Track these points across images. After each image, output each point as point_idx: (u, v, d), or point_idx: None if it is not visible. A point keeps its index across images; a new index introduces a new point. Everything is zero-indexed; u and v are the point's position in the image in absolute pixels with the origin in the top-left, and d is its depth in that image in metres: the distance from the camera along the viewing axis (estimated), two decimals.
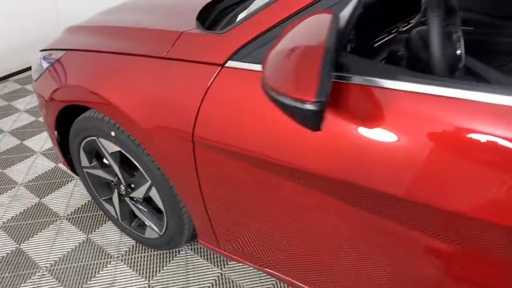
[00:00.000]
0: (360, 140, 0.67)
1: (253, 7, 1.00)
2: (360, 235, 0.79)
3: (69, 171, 1.88)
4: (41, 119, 2.41)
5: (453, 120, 0.60)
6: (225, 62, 0.83)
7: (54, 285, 1.33)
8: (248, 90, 0.77)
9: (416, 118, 0.63)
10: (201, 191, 1.02)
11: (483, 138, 0.57)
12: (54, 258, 1.44)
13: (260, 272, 1.36)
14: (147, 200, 1.33)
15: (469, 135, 0.59)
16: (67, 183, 1.83)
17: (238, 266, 1.38)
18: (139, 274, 1.37)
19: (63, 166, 1.94)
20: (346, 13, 0.63)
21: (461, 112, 0.60)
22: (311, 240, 0.89)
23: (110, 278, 1.36)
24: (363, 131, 0.66)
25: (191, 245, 1.47)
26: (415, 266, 0.74)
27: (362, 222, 0.76)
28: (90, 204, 1.69)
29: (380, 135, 0.65)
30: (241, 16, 1.05)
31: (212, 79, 0.84)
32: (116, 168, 1.28)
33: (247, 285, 1.31)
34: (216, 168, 0.93)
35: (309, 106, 0.49)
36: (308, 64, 0.50)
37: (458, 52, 0.96)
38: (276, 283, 1.32)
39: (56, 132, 1.44)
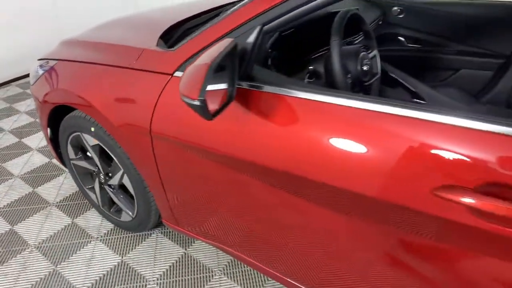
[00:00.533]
0: (267, 133, 0.90)
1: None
2: (299, 219, 0.99)
3: (60, 164, 2.12)
4: (38, 120, 2.66)
5: (326, 120, 0.84)
6: (174, 72, 1.07)
7: (40, 259, 1.56)
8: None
9: (299, 116, 0.87)
10: (159, 176, 1.25)
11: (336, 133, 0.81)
12: (42, 237, 1.67)
13: (218, 251, 1.58)
14: (123, 188, 1.56)
15: (336, 131, 0.82)
16: (58, 176, 2.07)
17: (201, 246, 1.61)
18: (114, 251, 1.59)
19: (56, 161, 2.18)
20: (250, 39, 0.88)
21: (330, 114, 0.83)
22: (257, 221, 1.10)
23: (89, 254, 1.58)
24: (270, 126, 0.90)
25: (162, 229, 1.70)
26: (345, 248, 0.94)
27: (299, 206, 0.97)
28: (77, 194, 1.92)
29: (277, 130, 0.88)
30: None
31: (164, 85, 1.08)
32: (96, 159, 1.52)
33: (205, 262, 1.53)
34: (169, 157, 1.17)
35: (196, 102, 0.73)
36: (199, 75, 0.74)
37: (365, 68, 1.19)
38: (231, 260, 1.54)
39: (49, 129, 1.68)
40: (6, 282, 1.46)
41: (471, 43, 1.97)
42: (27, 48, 3.33)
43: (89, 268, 1.52)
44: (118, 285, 1.44)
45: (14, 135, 2.50)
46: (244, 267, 1.52)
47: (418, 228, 0.76)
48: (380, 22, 2.08)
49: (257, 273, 1.49)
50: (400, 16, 2.08)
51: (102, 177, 1.57)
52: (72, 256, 1.58)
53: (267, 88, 0.92)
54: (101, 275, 1.49)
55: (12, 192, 1.95)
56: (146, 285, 1.44)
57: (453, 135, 0.69)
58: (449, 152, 0.69)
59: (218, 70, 0.78)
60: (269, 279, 1.45)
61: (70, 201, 1.88)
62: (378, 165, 0.76)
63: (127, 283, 1.45)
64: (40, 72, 1.61)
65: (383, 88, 1.70)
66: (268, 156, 0.91)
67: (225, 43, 0.81)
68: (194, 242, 1.63)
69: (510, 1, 1.83)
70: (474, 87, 1.97)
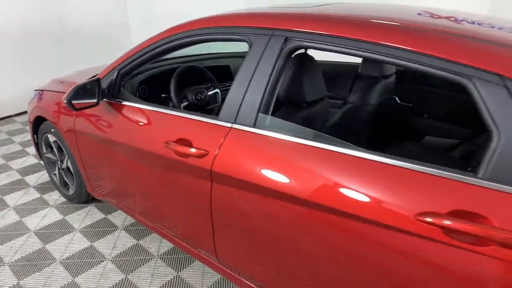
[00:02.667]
0: (123, 125, 1.76)
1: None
2: (141, 173, 1.81)
3: (39, 160, 3.03)
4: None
5: (143, 116, 1.68)
6: None
7: (13, 215, 2.41)
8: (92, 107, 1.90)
9: (136, 116, 1.72)
10: (81, 158, 2.11)
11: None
12: (18, 203, 2.53)
13: (128, 216, 2.37)
14: (69, 170, 2.42)
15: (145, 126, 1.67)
16: (41, 171, 2.98)
17: (117, 214, 2.41)
18: (60, 213, 2.42)
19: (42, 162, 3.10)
20: (113, 77, 1.77)
21: (145, 114, 1.68)
22: (137, 186, 1.90)
23: (44, 213, 2.42)
24: (124, 121, 1.75)
25: (96, 204, 2.52)
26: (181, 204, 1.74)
27: (140, 167, 1.79)
28: (49, 181, 2.81)
29: (128, 123, 1.73)
30: None
31: None
32: (55, 151, 2.41)
33: (115, 222, 2.33)
34: (84, 144, 2.03)
35: (65, 101, 1.61)
36: (71, 90, 1.62)
37: (199, 97, 2.05)
38: (134, 222, 2.32)
39: (34, 135, 2.61)
40: None
41: (329, 89, 2.79)
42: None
43: (41, 220, 2.35)
44: (55, 230, 2.25)
45: (20, 145, 3.49)
46: (141, 226, 2.29)
47: (161, 162, 1.56)
48: None
49: (147, 230, 2.25)
50: None
51: (59, 164, 2.45)
52: (34, 214, 2.42)
53: (124, 103, 1.79)
54: (47, 224, 2.31)
55: (7, 178, 2.87)
56: (72, 231, 2.25)
57: (185, 125, 1.52)
58: (171, 127, 1.51)
59: (85, 89, 1.68)
60: (150, 232, 2.22)
61: (44, 185, 2.77)
62: (151, 134, 1.59)
63: (62, 229, 2.26)
64: (33, 96, 2.59)
65: None
66: (123, 137, 1.75)
67: (93, 78, 1.71)
68: (114, 211, 2.44)
69: (348, 62, 2.67)
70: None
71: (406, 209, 0.96)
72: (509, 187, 0.86)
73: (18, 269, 1.94)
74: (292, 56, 1.49)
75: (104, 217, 2.39)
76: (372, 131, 2.08)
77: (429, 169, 0.96)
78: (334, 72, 2.76)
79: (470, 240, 0.88)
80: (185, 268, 1.96)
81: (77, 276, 1.90)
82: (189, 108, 2.05)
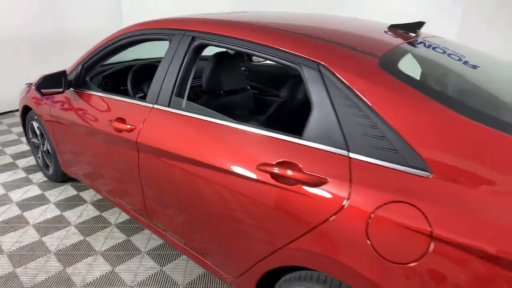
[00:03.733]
0: (86, 109, 2.13)
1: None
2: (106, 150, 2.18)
3: (28, 145, 3.45)
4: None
5: (105, 102, 2.06)
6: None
7: (1, 190, 2.80)
8: (60, 97, 2.28)
9: (98, 103, 2.09)
10: (55, 140, 2.50)
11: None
12: (6, 181, 2.93)
13: (96, 193, 2.74)
14: (49, 152, 2.81)
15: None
16: (31, 156, 3.39)
17: (88, 192, 2.78)
18: (41, 190, 2.81)
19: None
20: (78, 70, 2.15)
21: (103, 100, 2.06)
22: (99, 163, 2.27)
23: (27, 188, 2.81)
24: (86, 106, 2.13)
25: (72, 183, 2.90)
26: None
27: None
28: (35, 164, 3.21)
29: (89, 108, 2.11)
30: None
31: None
32: (38, 135, 2.81)
33: (84, 197, 2.70)
34: (57, 128, 2.42)
35: (34, 88, 1.99)
36: (39, 79, 2.00)
37: None
38: (102, 199, 2.69)
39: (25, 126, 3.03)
40: None
41: (278, 88, 3.13)
42: None
43: (23, 194, 2.74)
44: (33, 202, 2.64)
45: (17, 135, 3.93)
46: (106, 201, 2.65)
47: (106, 138, 1.92)
48: None
49: (111, 205, 2.61)
50: (246, 73, 3.32)
51: (42, 147, 2.85)
52: (18, 189, 2.81)
53: (87, 91, 2.17)
54: (27, 197, 2.70)
55: (0, 161, 3.29)
56: (47, 203, 2.62)
57: (124, 107, 1.88)
58: (114, 109, 1.87)
59: (53, 79, 2.06)
60: (113, 206, 2.57)
61: (31, 167, 3.17)
62: (100, 115, 1.95)
63: (39, 202, 2.64)
64: (23, 88, 3.00)
65: None
66: (83, 120, 2.13)
67: (59, 70, 2.10)
68: (87, 189, 2.81)
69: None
70: None
71: (253, 161, 1.29)
72: (314, 143, 1.18)
73: None
74: (213, 53, 1.85)
75: (77, 194, 2.77)
76: (301, 121, 2.41)
77: (272, 134, 1.29)
78: (284, 73, 3.11)
79: (287, 182, 1.20)
80: (136, 234, 2.31)
81: (44, 236, 2.27)
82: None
